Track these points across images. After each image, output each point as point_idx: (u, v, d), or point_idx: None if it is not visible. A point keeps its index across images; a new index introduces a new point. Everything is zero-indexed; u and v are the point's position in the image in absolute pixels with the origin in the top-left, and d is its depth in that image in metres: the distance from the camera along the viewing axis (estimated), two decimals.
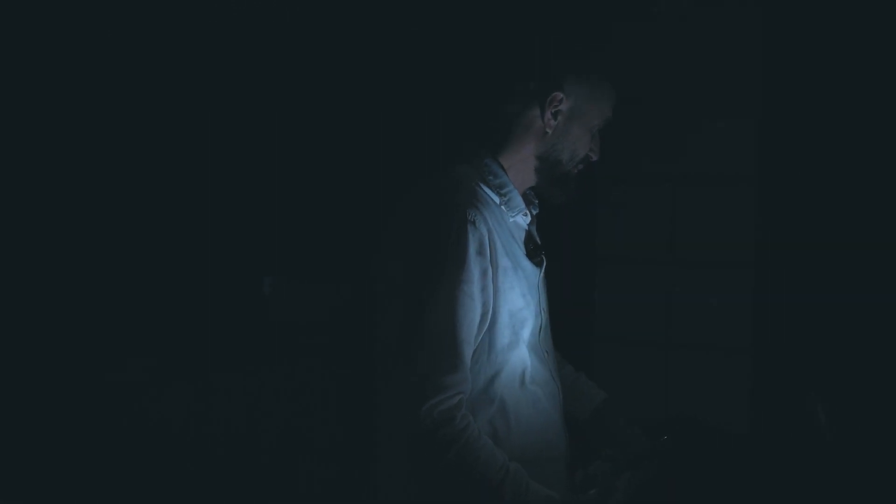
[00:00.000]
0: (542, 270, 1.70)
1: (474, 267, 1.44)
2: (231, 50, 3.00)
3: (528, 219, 1.67)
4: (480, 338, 1.50)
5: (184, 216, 3.01)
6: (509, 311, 1.55)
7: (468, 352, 1.45)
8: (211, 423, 2.82)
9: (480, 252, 1.46)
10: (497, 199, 1.58)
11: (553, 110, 1.60)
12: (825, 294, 2.60)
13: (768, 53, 2.70)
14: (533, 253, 1.67)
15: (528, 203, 1.69)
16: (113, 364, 2.70)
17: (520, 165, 1.64)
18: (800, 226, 2.71)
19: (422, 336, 1.41)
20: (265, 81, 3.06)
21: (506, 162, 1.63)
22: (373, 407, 1.59)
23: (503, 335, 1.55)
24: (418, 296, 1.42)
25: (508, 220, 1.60)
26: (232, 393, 2.86)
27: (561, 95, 1.59)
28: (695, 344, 2.80)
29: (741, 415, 2.67)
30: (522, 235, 1.66)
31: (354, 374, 2.93)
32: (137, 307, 2.89)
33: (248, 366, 2.91)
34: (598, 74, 1.64)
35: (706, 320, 2.78)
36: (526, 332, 1.60)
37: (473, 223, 1.46)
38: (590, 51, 1.65)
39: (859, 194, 2.59)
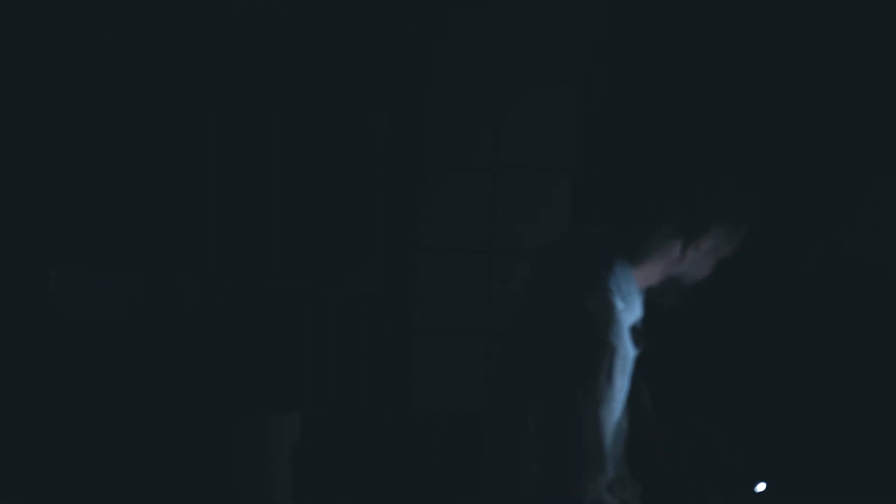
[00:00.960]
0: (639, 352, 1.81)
1: (619, 386, 1.64)
2: None
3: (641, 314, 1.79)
4: None
5: None
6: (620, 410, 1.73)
7: (611, 456, 1.65)
8: None
9: (623, 372, 1.65)
10: (622, 307, 1.69)
11: (694, 247, 1.72)
12: None
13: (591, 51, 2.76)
14: (637, 339, 1.76)
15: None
16: None
17: (646, 276, 1.76)
18: (613, 212, 2.77)
19: (579, 446, 1.60)
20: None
21: (634, 270, 1.74)
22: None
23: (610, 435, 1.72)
24: (574, 413, 1.60)
25: (628, 322, 1.72)
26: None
27: (707, 236, 1.72)
28: None
29: None
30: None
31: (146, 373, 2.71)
32: None
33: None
34: (743, 219, 1.75)
35: None
36: None
37: (619, 353, 1.63)
38: (743, 200, 1.75)
39: (675, 184, 2.68)
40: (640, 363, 1.81)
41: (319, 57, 2.89)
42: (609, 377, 1.61)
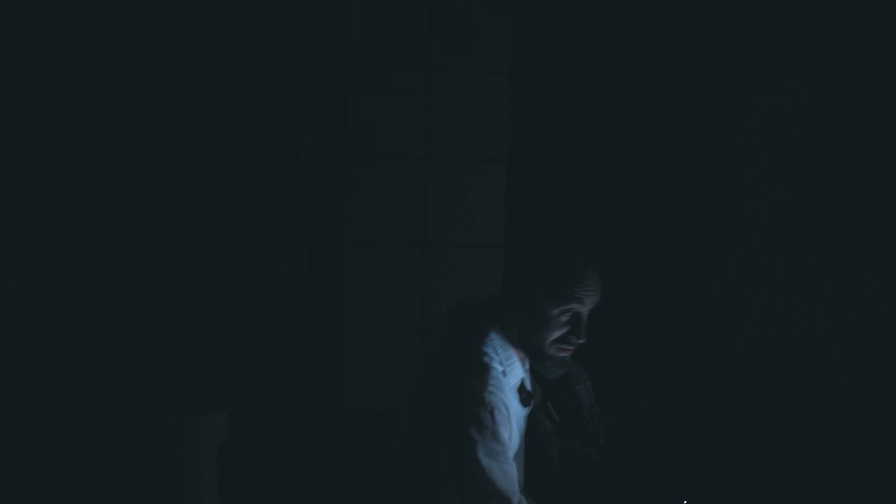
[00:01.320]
0: (529, 409, 1.95)
1: (505, 436, 1.81)
2: None
3: (525, 375, 1.93)
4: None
5: None
6: None
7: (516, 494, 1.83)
8: None
9: (506, 424, 1.80)
10: (500, 368, 1.84)
11: (521, 305, 1.84)
12: None
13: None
14: (525, 400, 1.91)
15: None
16: None
17: (512, 340, 1.88)
18: (548, 206, 2.73)
19: (485, 498, 1.80)
20: None
21: (507, 335, 1.88)
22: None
23: None
24: (472, 470, 1.78)
25: (512, 383, 1.86)
26: None
27: (518, 292, 1.84)
28: None
29: None
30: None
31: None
32: None
33: None
34: (560, 277, 1.81)
35: None
36: None
37: (499, 408, 1.79)
38: (556, 261, 1.81)
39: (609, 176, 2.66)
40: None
41: (234, 44, 2.77)
42: (495, 434, 1.78)
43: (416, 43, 2.75)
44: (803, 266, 2.59)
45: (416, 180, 2.77)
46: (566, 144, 2.68)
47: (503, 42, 2.72)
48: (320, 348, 2.82)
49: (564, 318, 1.81)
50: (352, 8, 2.75)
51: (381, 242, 2.78)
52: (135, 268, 2.77)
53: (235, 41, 2.78)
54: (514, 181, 2.74)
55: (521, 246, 1.90)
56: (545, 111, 2.70)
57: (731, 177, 2.61)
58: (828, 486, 2.52)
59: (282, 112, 2.82)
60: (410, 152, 2.77)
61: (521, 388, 1.91)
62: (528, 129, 2.72)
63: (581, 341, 1.82)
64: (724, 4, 2.58)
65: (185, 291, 2.77)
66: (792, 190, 2.59)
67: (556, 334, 1.82)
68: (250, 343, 2.80)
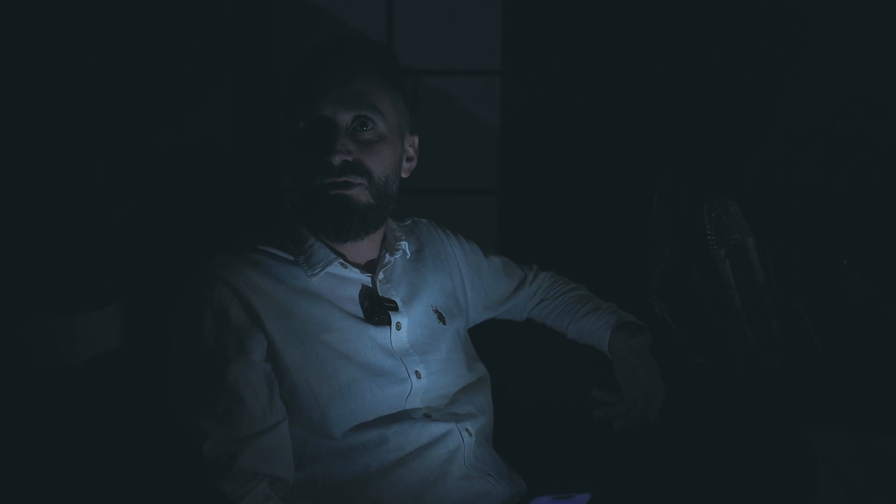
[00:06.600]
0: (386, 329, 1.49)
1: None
2: None
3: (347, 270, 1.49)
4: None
5: None
6: None
7: None
8: None
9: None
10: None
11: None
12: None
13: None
14: (369, 312, 1.48)
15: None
16: None
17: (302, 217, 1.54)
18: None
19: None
20: None
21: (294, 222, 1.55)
22: None
23: None
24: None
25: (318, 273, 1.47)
26: None
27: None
28: None
29: None
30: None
31: None
32: None
33: None
34: (291, 88, 1.46)
35: None
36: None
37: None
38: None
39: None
40: None
41: None
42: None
43: None
44: None
45: None
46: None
47: None
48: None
49: (310, 132, 1.38)
50: None
51: None
52: None
53: None
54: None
55: None
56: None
57: None
58: None
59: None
60: None
61: (363, 291, 1.46)
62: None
63: (336, 157, 1.35)
64: None
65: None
66: None
67: (310, 159, 1.38)
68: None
